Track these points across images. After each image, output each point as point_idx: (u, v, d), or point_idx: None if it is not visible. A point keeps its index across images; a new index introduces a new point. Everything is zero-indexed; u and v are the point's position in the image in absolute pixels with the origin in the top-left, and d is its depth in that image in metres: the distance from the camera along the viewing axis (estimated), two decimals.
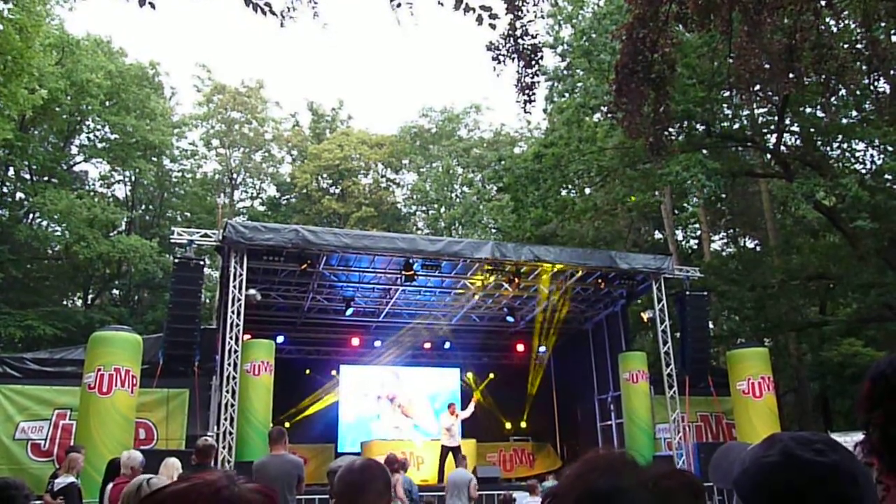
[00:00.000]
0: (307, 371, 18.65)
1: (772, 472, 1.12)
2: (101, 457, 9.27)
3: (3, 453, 11.71)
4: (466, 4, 6.98)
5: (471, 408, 15.10)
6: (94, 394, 10.62)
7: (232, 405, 11.99)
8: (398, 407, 18.73)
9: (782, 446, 1.14)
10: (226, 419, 11.89)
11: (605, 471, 0.80)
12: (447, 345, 19.56)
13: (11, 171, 25.28)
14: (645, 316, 15.82)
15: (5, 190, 25.65)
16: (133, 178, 30.39)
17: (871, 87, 15.00)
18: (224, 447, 11.65)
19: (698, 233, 28.55)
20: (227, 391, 12.02)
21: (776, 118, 17.43)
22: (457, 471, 10.55)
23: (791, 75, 10.89)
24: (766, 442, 1.18)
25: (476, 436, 16.27)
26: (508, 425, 19.58)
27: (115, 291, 31.87)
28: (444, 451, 13.91)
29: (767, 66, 11.04)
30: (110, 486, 7.04)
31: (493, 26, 10.06)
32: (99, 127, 27.19)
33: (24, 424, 11.98)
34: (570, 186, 22.32)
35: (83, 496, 7.86)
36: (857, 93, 15.44)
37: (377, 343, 18.92)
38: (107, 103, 25.81)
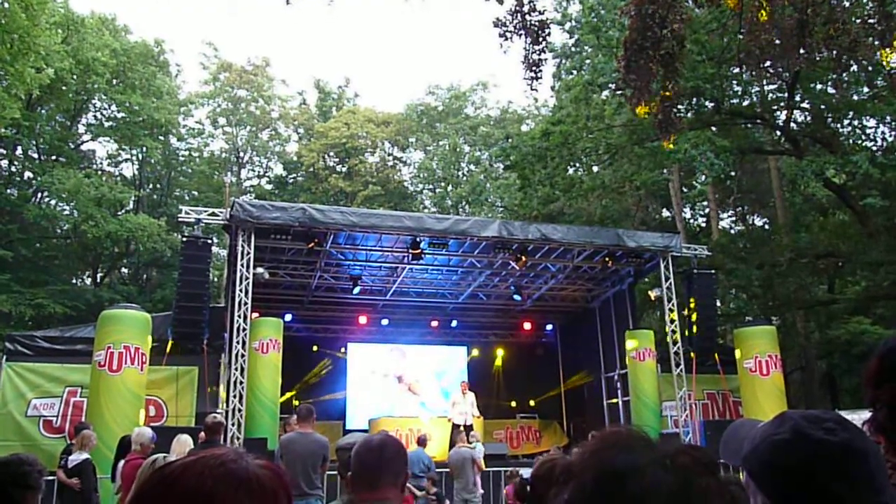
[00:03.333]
0: (314, 347, 18.75)
1: (782, 450, 1.12)
2: (112, 433, 9.38)
3: (15, 430, 11.85)
4: None
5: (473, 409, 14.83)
6: (105, 371, 10.71)
7: (241, 382, 12.08)
8: (405, 384, 18.85)
9: (792, 424, 1.14)
10: (234, 396, 11.99)
11: (621, 448, 0.79)
12: (454, 323, 19.62)
13: (19, 151, 25.33)
14: (652, 294, 15.81)
15: (13, 169, 25.72)
16: (140, 157, 30.40)
17: (884, 63, 14.82)
18: (233, 424, 11.76)
19: (706, 211, 28.41)
20: (236, 369, 12.10)
21: (786, 95, 17.27)
22: (455, 449, 10.56)
23: (802, 51, 10.77)
24: (777, 420, 1.18)
25: (483, 413, 16.36)
26: (514, 403, 19.68)
27: (124, 270, 32.01)
28: (454, 427, 14.01)
29: (778, 41, 10.91)
30: (122, 462, 7.14)
31: (500, 2, 9.99)
32: (105, 106, 27.17)
33: (36, 401, 12.12)
34: (577, 164, 22.24)
35: (97, 472, 7.96)
36: (869, 69, 15.27)
37: (384, 321, 18.99)
38: (113, 82, 25.75)
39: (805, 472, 1.09)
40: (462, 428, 13.35)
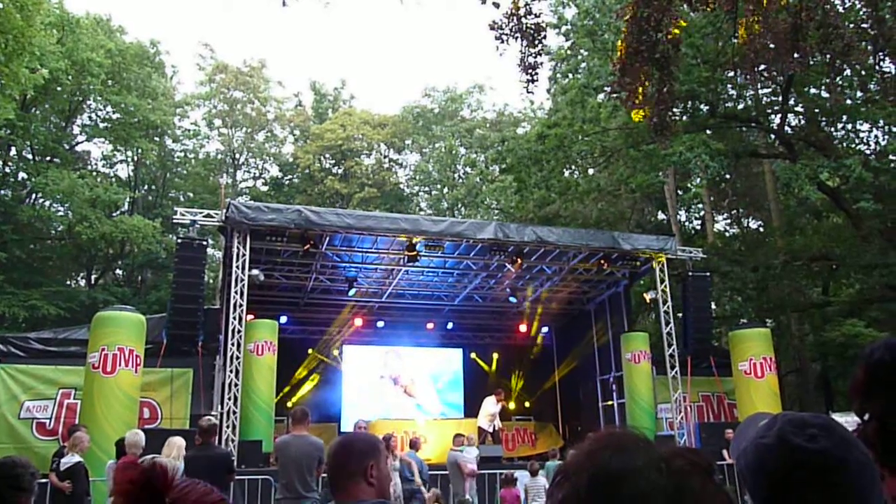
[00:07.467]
0: (309, 351, 18.72)
1: (763, 455, 1.12)
2: (106, 436, 9.35)
3: (8, 432, 11.80)
4: None
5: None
6: (98, 373, 10.67)
7: (236, 385, 12.06)
8: (401, 387, 18.82)
9: (778, 429, 1.13)
10: (230, 398, 11.96)
11: (616, 450, 0.79)
12: (450, 325, 19.61)
13: (13, 151, 25.25)
14: (647, 296, 15.83)
15: (7, 170, 25.62)
16: (135, 158, 30.34)
17: (877, 67, 14.86)
18: (228, 426, 11.74)
19: (701, 213, 28.43)
20: (231, 371, 12.08)
21: (780, 98, 17.33)
22: (448, 453, 10.64)
23: (796, 55, 10.80)
24: (769, 422, 1.18)
25: (478, 415, 16.34)
26: (511, 405, 19.66)
27: (119, 271, 31.93)
28: (482, 434, 14.16)
29: (772, 45, 10.94)
30: (114, 463, 7.13)
31: (496, 5, 10.01)
32: (100, 106, 27.09)
33: (28, 403, 12.06)
34: (573, 167, 22.27)
35: (89, 475, 7.93)
36: (863, 73, 15.32)
37: (380, 323, 18.96)
38: (108, 82, 25.68)
39: (781, 479, 1.08)
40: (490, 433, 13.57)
